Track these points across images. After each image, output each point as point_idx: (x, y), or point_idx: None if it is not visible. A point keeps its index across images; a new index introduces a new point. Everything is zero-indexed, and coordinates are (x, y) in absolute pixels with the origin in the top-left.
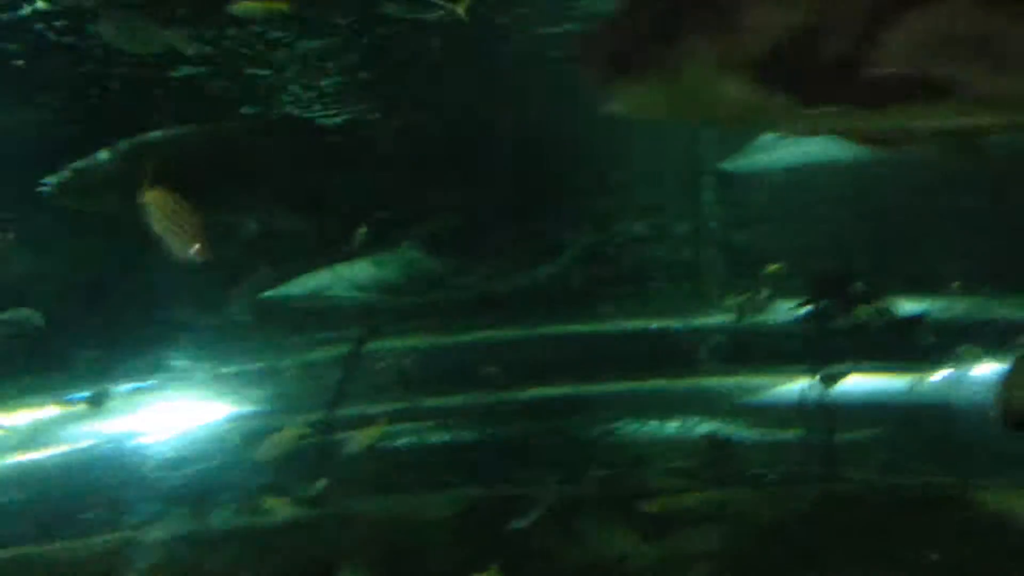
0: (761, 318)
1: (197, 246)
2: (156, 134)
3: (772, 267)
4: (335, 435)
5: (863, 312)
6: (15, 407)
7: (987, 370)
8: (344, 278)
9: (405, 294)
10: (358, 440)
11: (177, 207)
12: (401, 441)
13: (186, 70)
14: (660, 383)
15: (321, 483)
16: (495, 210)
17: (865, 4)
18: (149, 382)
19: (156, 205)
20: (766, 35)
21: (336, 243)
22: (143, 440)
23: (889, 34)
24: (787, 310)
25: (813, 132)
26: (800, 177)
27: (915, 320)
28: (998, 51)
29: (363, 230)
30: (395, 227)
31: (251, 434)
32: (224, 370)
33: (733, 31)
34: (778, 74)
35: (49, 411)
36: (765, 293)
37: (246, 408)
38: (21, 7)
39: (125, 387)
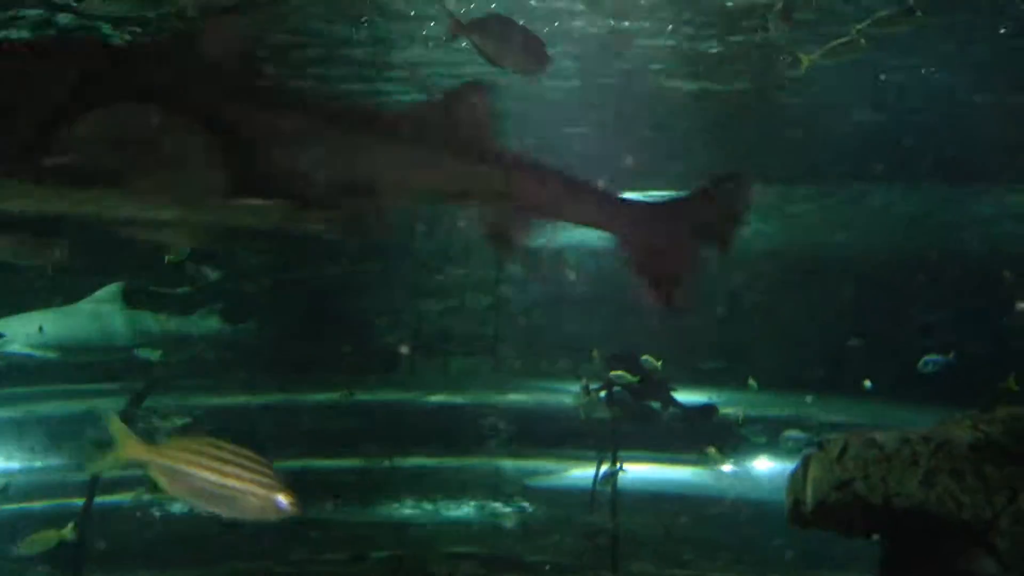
0: (558, 401)
1: (286, 501)
2: None
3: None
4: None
5: (653, 400)
6: None
7: (768, 465)
8: (21, 333)
9: (102, 352)
10: (32, 544)
11: (226, 457)
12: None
13: None
14: (451, 461)
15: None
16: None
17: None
18: None
19: (188, 468)
20: None
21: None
22: None
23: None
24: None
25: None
26: (601, 259)
27: (705, 411)
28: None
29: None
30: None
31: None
32: None
33: None
34: None
35: None
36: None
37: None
38: None
39: None
